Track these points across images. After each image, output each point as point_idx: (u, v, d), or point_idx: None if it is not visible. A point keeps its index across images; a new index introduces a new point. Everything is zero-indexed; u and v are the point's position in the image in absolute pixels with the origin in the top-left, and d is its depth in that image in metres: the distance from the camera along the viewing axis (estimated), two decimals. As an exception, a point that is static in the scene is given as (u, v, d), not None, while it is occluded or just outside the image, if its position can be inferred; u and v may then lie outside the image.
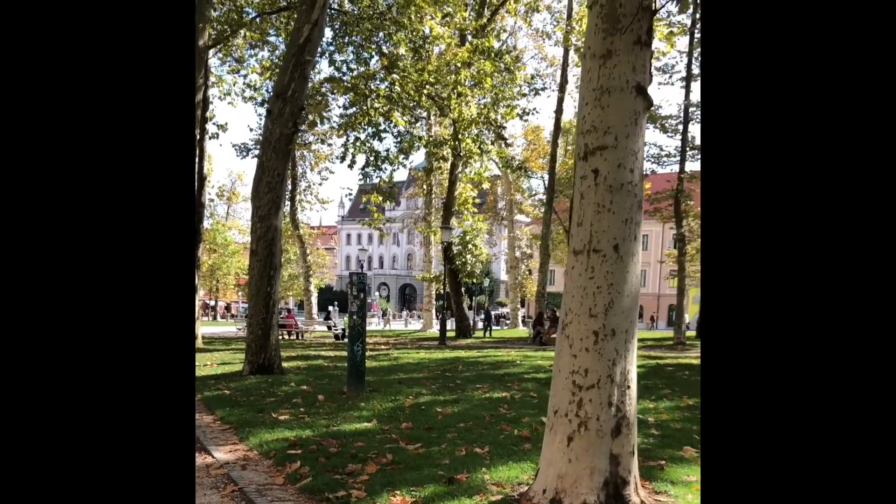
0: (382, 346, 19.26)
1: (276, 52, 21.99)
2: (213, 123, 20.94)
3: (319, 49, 17.27)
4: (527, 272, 39.63)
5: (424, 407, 7.62)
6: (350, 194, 21.30)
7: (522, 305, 65.54)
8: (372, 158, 18.05)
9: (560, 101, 26.87)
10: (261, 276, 10.78)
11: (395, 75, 16.63)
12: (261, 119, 37.33)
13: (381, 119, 17.62)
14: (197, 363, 13.31)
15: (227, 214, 49.21)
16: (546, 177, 35.40)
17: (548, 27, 32.18)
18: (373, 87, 16.87)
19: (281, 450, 5.66)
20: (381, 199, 20.39)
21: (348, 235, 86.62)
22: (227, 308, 59.30)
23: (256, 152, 27.98)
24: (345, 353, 15.83)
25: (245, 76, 24.63)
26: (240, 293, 58.86)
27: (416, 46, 16.93)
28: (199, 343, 17.70)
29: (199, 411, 7.96)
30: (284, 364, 11.72)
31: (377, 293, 50.62)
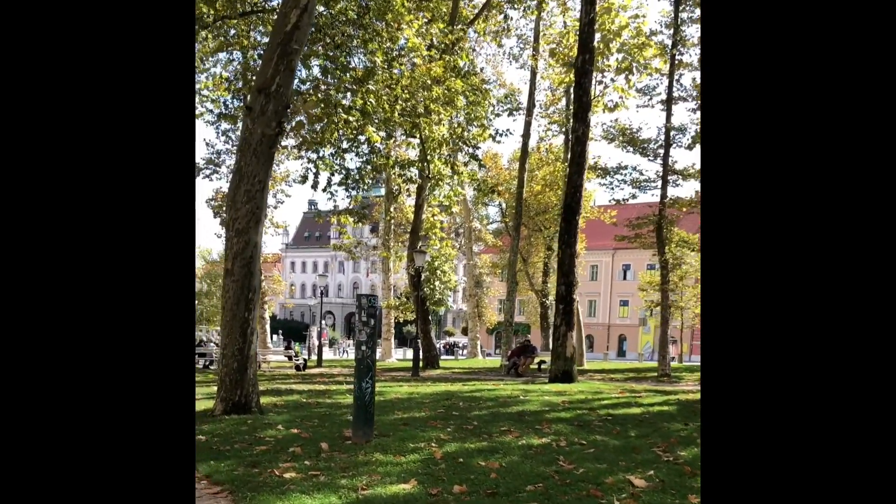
0: (349, 379, 17.63)
1: (233, 64, 20.47)
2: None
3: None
4: (486, 301, 38.44)
5: (462, 460, 6.22)
6: (316, 214, 19.54)
7: (465, 334, 64.53)
8: (343, 177, 16.59)
9: (527, 124, 26.03)
10: (237, 299, 9.21)
11: (370, 86, 15.33)
12: (206, 141, 35.25)
13: (352, 134, 16.29)
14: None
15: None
16: (503, 204, 34.61)
17: (514, 50, 31.55)
18: (344, 101, 15.49)
19: (315, 532, 4.20)
20: (352, 220, 18.87)
21: (293, 263, 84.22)
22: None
23: (207, 172, 26.22)
24: (319, 387, 14.25)
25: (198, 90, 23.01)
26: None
27: (390, 59, 15.72)
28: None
29: (174, 467, 6.35)
30: (257, 401, 10.09)
31: (323, 322, 48.60)
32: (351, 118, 14.98)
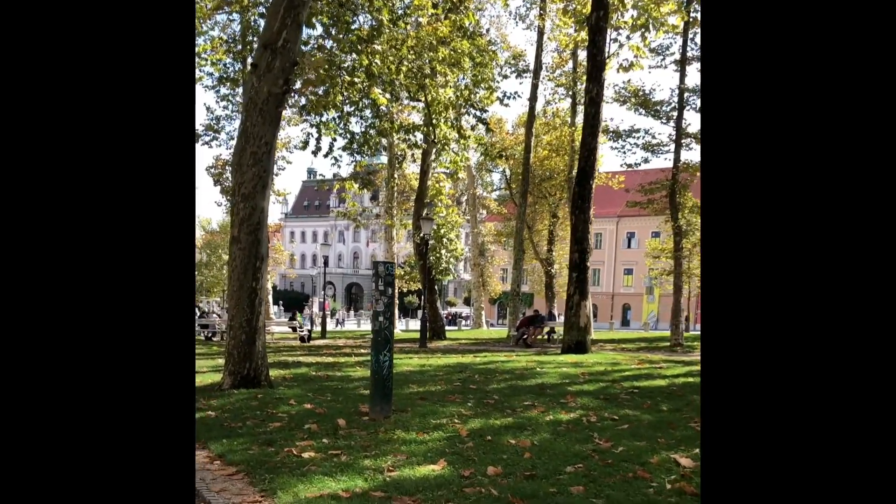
0: (359, 350, 17.29)
1: (233, 25, 19.80)
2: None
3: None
4: (491, 271, 37.96)
5: (490, 438, 5.83)
6: (320, 182, 18.82)
7: (466, 304, 64.07)
8: (347, 141, 16.01)
9: (534, 87, 25.33)
10: (244, 267, 8.76)
11: (376, 46, 14.70)
12: (207, 106, 34.58)
13: (356, 97, 15.67)
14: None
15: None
16: (507, 171, 33.94)
17: (521, 9, 30.66)
18: (350, 61, 14.83)
19: (343, 521, 3.81)
20: (356, 186, 18.28)
21: (292, 233, 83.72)
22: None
23: (207, 138, 25.58)
24: (327, 360, 13.88)
25: (197, 53, 22.32)
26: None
27: (395, 18, 15.07)
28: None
29: (183, 446, 5.97)
30: (265, 374, 9.69)
31: (323, 293, 48.09)
32: (356, 80, 14.36)
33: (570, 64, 27.14)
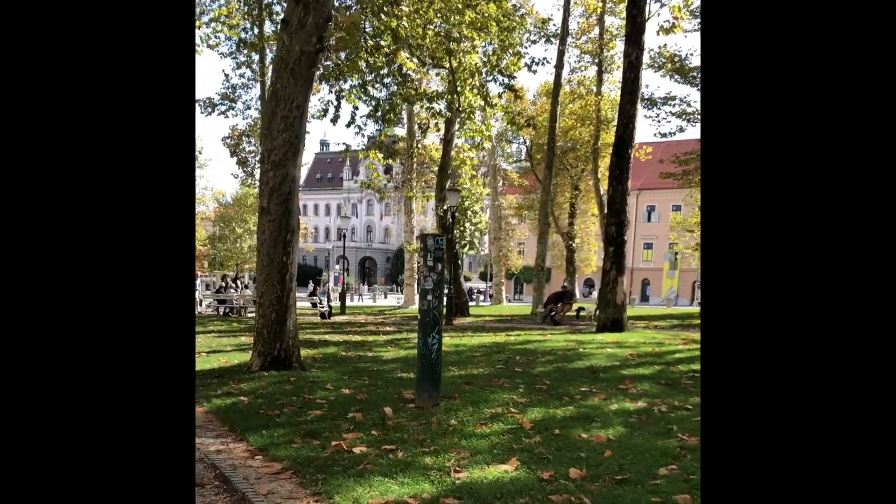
0: (384, 327, 16.76)
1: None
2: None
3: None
4: (512, 245, 37.22)
5: (558, 431, 5.24)
6: (348, 149, 18.09)
7: (483, 279, 63.28)
8: (372, 108, 15.29)
9: (560, 54, 24.45)
10: (274, 240, 8.17)
11: (403, 7, 13.93)
12: (235, 69, 33.89)
13: (382, 62, 14.93)
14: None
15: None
16: (528, 141, 33.06)
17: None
18: (371, 25, 14.05)
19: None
20: (381, 156, 17.56)
21: (304, 206, 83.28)
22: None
23: (223, 108, 24.88)
24: (354, 338, 13.32)
25: (210, 20, 21.58)
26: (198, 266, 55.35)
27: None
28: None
29: (218, 433, 5.46)
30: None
31: (337, 267, 47.61)
32: (382, 43, 13.61)
33: (597, 30, 26.22)
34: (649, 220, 59.19)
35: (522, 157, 35.89)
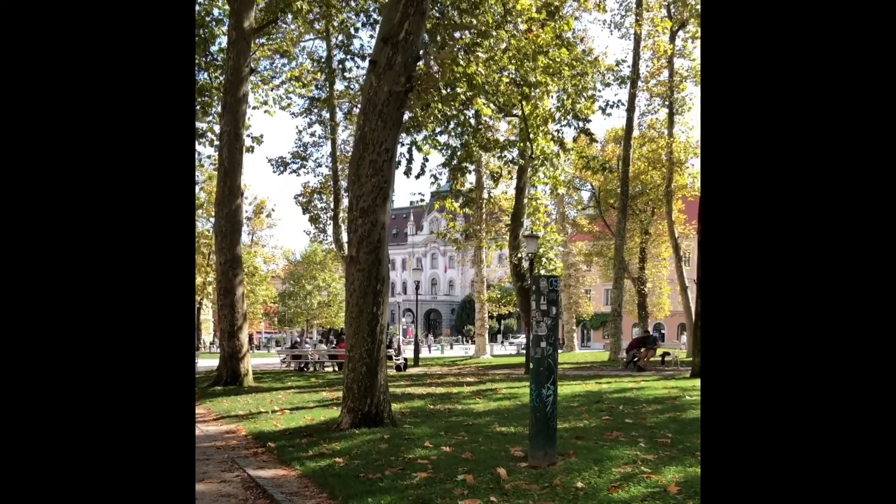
0: (464, 378, 16.17)
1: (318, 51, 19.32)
2: (248, 135, 18.22)
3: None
4: (582, 291, 36.30)
5: None
6: (422, 200, 17.91)
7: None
8: (448, 157, 15.03)
9: (631, 97, 24.02)
10: (363, 291, 7.78)
11: (480, 53, 13.75)
12: (299, 129, 34.46)
13: (458, 109, 14.74)
14: (262, 408, 10.34)
15: (252, 241, 45.86)
16: (596, 187, 32.44)
17: (616, 17, 29.32)
18: (455, 70, 13.88)
19: None
20: (457, 205, 17.21)
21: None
22: (250, 339, 56.27)
23: (294, 166, 25.20)
24: (438, 391, 12.78)
25: (282, 83, 22.01)
26: (267, 323, 55.98)
27: (500, 22, 14.13)
28: (249, 381, 14.69)
29: (318, 500, 4.96)
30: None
31: (404, 319, 47.45)
32: (458, 90, 13.41)
33: (666, 72, 25.73)
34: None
35: (590, 204, 35.30)
